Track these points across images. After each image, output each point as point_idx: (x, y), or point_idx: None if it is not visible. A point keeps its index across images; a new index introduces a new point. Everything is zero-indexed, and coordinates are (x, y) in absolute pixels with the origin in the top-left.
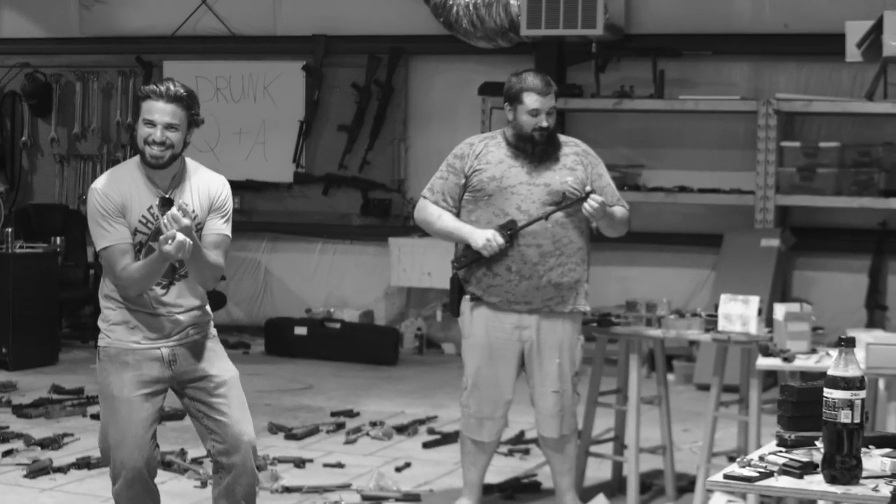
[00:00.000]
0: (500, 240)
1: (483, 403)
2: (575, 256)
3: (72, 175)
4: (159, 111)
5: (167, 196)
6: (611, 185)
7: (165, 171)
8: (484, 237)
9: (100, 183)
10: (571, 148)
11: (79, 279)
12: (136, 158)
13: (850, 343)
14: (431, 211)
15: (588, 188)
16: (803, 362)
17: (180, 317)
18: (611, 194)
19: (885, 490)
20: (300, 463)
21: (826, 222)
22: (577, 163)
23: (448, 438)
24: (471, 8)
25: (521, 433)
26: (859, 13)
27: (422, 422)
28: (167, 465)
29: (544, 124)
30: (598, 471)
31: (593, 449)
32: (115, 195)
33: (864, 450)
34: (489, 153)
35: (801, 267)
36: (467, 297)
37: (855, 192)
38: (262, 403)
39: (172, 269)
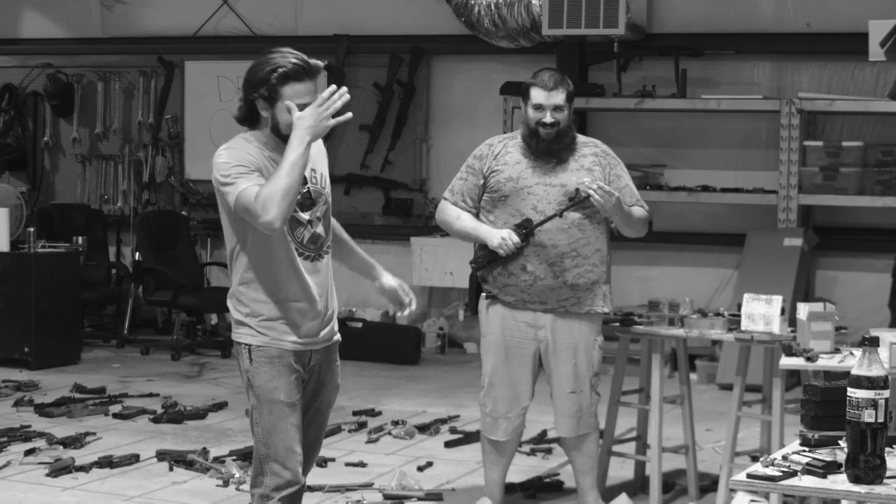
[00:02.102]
0: (516, 238)
1: (499, 402)
2: (593, 258)
3: (93, 175)
4: (311, 92)
5: None
6: (630, 186)
7: None
8: (499, 236)
9: (226, 151)
10: (591, 149)
11: (100, 279)
12: (254, 134)
13: (873, 342)
14: (451, 212)
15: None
16: (826, 362)
17: (323, 302)
18: (629, 194)
19: None
20: (322, 462)
21: (849, 222)
22: (595, 163)
23: (470, 438)
24: (492, 7)
25: (544, 432)
26: (882, 12)
27: (444, 421)
28: (189, 465)
29: (547, 120)
30: (621, 470)
31: (616, 448)
32: (250, 159)
33: (887, 449)
34: (507, 154)
35: (824, 266)
36: (484, 294)
37: (878, 192)
38: None
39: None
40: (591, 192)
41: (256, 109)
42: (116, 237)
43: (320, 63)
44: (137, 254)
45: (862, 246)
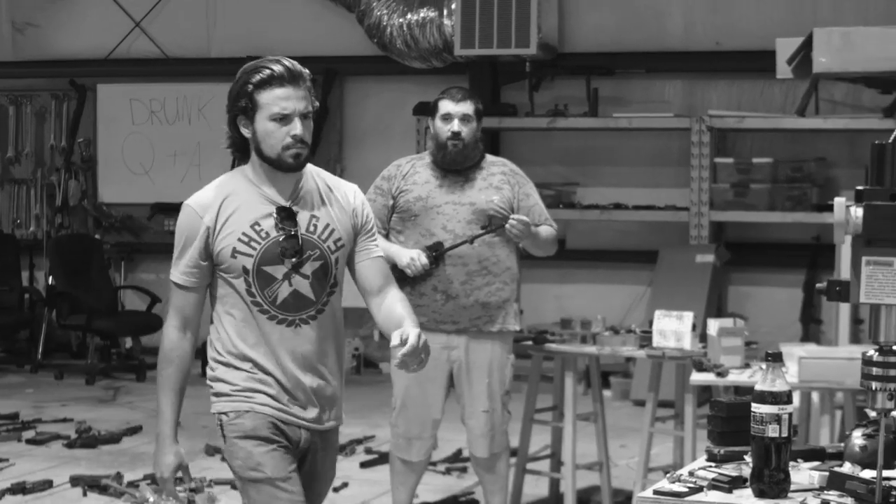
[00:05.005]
0: (424, 260)
1: (411, 423)
2: (503, 276)
3: (5, 199)
4: (293, 98)
5: (288, 206)
6: (539, 205)
7: (290, 177)
8: (408, 256)
9: (196, 196)
10: (499, 167)
11: (13, 304)
12: (242, 169)
13: (777, 358)
14: None
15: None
16: (736, 377)
17: (318, 381)
18: (538, 214)
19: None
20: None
21: (760, 237)
22: (503, 182)
23: (385, 458)
24: (405, 28)
25: (459, 451)
26: (789, 31)
27: (359, 441)
28: (103, 489)
29: (455, 129)
30: (536, 488)
31: (530, 466)
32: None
33: (792, 463)
34: (416, 173)
35: (736, 282)
36: None
37: (788, 208)
38: (199, 425)
39: (304, 300)
40: (506, 226)
41: (241, 133)
42: (29, 261)
43: (306, 70)
44: (51, 278)
45: (773, 261)
